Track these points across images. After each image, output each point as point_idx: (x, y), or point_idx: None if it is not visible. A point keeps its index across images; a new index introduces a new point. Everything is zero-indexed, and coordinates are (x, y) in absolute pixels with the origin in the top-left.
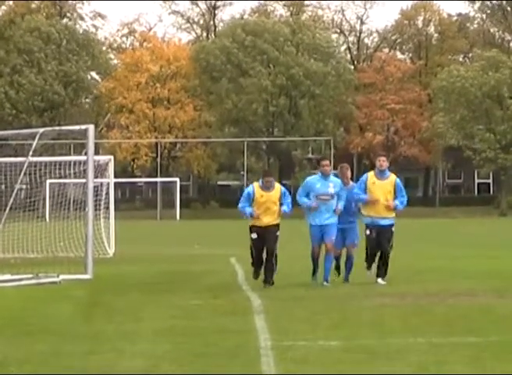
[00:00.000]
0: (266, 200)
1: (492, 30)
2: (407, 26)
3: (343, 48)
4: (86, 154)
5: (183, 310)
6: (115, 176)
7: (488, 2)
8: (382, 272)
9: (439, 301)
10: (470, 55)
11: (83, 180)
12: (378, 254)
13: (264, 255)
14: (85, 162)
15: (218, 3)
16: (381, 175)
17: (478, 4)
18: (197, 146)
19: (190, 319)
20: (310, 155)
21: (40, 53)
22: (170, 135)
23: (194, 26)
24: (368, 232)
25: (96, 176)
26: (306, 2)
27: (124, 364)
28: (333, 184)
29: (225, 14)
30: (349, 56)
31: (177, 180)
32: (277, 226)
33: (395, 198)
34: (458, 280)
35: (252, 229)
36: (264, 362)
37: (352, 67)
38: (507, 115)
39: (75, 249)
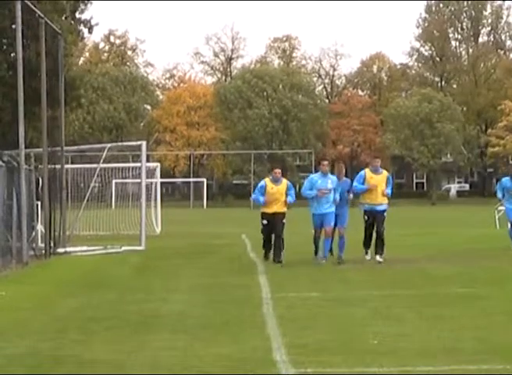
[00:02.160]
0: (275, 192)
1: (425, 74)
2: (366, 71)
3: (320, 87)
4: (140, 162)
5: (208, 271)
6: (161, 178)
7: (422, 54)
8: (379, 250)
9: (388, 266)
10: (409, 92)
11: (139, 180)
12: (374, 236)
13: (273, 238)
14: (140, 168)
15: (233, 56)
16: (376, 171)
17: (415, 56)
18: (218, 156)
19: (213, 277)
20: (298, 162)
21: (111, 90)
22: (199, 149)
23: (216, 72)
24: (366, 217)
25: (147, 178)
26: (294, 54)
27: (167, 308)
28: (331, 181)
29: (238, 63)
30: (324, 93)
31: (204, 180)
32: (283, 213)
33: (386, 187)
34: (403, 251)
35: (263, 216)
36: (264, 307)
37: (327, 100)
38: (435, 133)
39: (133, 228)
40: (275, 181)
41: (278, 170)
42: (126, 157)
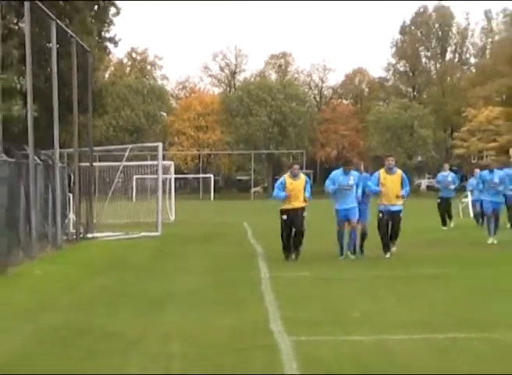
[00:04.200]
0: (294, 187)
1: (400, 86)
2: (349, 84)
3: (311, 97)
4: (157, 160)
5: (215, 255)
6: (174, 174)
7: (397, 69)
8: (387, 247)
9: (372, 251)
10: (387, 101)
11: (156, 176)
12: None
13: (294, 233)
14: (157, 165)
15: (237, 70)
16: (390, 171)
17: (391, 71)
18: (223, 156)
19: (219, 260)
20: (292, 161)
21: (132, 99)
22: (207, 149)
23: (222, 84)
24: (380, 215)
25: (163, 174)
26: (288, 69)
27: (179, 287)
28: (353, 177)
29: (240, 77)
30: (314, 102)
31: (211, 176)
32: (303, 208)
33: (401, 188)
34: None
35: (282, 211)
36: (263, 285)
37: (317, 108)
38: (413, 138)
39: (150, 217)
40: (294, 176)
41: (297, 166)
42: (144, 156)
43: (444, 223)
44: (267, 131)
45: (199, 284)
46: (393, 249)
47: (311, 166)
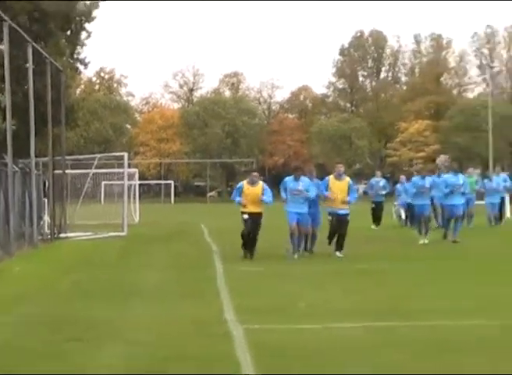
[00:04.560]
0: (251, 193)
1: (340, 102)
2: (295, 99)
3: (261, 111)
4: (123, 168)
5: (176, 252)
6: (138, 180)
7: (337, 87)
8: (339, 247)
9: (320, 250)
10: (328, 115)
11: (122, 182)
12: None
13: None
14: (123, 173)
15: (194, 87)
16: (339, 177)
17: (332, 88)
18: (182, 164)
19: (179, 257)
20: (243, 169)
21: (101, 113)
22: (168, 158)
23: (181, 99)
24: (329, 218)
25: (128, 180)
26: (240, 86)
27: (145, 281)
28: (303, 183)
29: (198, 93)
30: (264, 116)
31: (172, 182)
32: (260, 214)
33: (349, 193)
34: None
35: (243, 212)
36: (218, 279)
37: (266, 122)
38: (351, 147)
39: (117, 218)
40: (252, 183)
41: (255, 173)
42: (112, 164)
43: (375, 224)
44: (221, 142)
45: (162, 279)
46: (340, 255)
47: (260, 173)
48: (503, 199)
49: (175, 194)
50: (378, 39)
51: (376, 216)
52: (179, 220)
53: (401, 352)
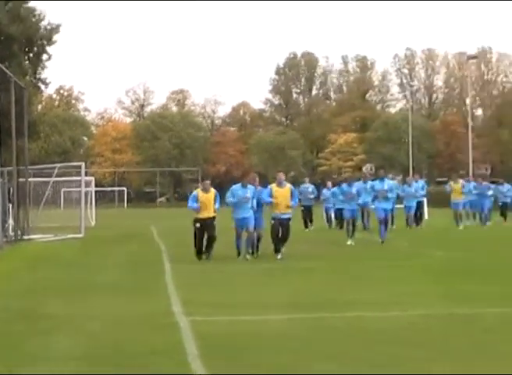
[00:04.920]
0: (205, 199)
1: (276, 116)
2: (235, 114)
3: (205, 125)
4: (80, 176)
5: (128, 252)
6: (95, 187)
7: (273, 103)
8: (278, 249)
9: (264, 251)
10: (265, 128)
11: (79, 189)
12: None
13: (205, 241)
14: (80, 181)
15: (145, 103)
16: (280, 185)
17: (269, 104)
18: (134, 173)
19: (131, 256)
20: (189, 177)
21: (60, 127)
22: (121, 167)
23: (133, 114)
24: (272, 222)
25: (85, 187)
26: (186, 102)
27: (101, 279)
28: (250, 191)
29: (148, 108)
30: (208, 129)
31: (125, 188)
32: (214, 218)
33: (291, 199)
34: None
35: (196, 220)
36: (167, 275)
37: (209, 134)
38: (286, 157)
39: (75, 222)
40: (205, 190)
41: (207, 181)
42: (70, 173)
43: (306, 226)
44: (169, 152)
45: (116, 276)
46: (283, 249)
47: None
48: (420, 203)
49: (128, 200)
50: (310, 59)
51: (307, 219)
52: (132, 223)
53: (330, 339)
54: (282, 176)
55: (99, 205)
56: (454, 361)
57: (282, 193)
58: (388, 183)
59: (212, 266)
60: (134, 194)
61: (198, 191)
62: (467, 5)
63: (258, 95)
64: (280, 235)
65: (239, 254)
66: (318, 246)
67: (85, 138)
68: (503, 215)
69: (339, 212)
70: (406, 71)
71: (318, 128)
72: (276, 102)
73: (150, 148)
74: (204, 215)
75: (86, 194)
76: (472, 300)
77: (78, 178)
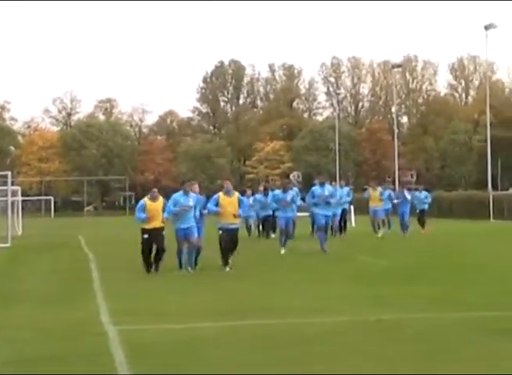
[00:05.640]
0: (153, 208)
1: (203, 124)
2: (163, 123)
3: (133, 134)
4: (7, 186)
5: (56, 261)
6: (21, 196)
7: (201, 111)
8: (226, 261)
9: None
10: (193, 136)
11: (6, 198)
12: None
13: (154, 251)
14: (6, 190)
15: (72, 112)
16: (228, 193)
17: (196, 112)
18: (61, 181)
19: (60, 265)
20: (117, 185)
21: None
22: (48, 176)
23: (60, 123)
24: (220, 232)
25: (12, 197)
26: (113, 111)
27: (29, 286)
28: (192, 199)
29: (75, 117)
30: (135, 138)
31: (52, 198)
32: (162, 228)
33: (239, 208)
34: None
35: (143, 231)
36: (95, 283)
37: (137, 143)
38: (214, 165)
39: (2, 231)
40: (153, 199)
41: (155, 190)
42: None
43: None
44: (97, 161)
45: (44, 284)
46: (230, 261)
47: (132, 189)
48: (344, 210)
49: (55, 209)
50: (237, 68)
51: None
52: (59, 232)
53: (256, 345)
54: (229, 184)
55: (26, 215)
56: (379, 366)
57: (229, 202)
58: (328, 188)
59: (141, 275)
60: (61, 203)
61: (146, 200)
62: (393, 13)
63: (186, 104)
64: (228, 246)
65: (181, 266)
66: (249, 254)
67: (12, 148)
68: (421, 223)
69: (265, 221)
70: (332, 79)
71: (245, 136)
72: (204, 111)
73: (77, 157)
74: (151, 225)
75: (12, 203)
76: (398, 305)
77: (4, 188)
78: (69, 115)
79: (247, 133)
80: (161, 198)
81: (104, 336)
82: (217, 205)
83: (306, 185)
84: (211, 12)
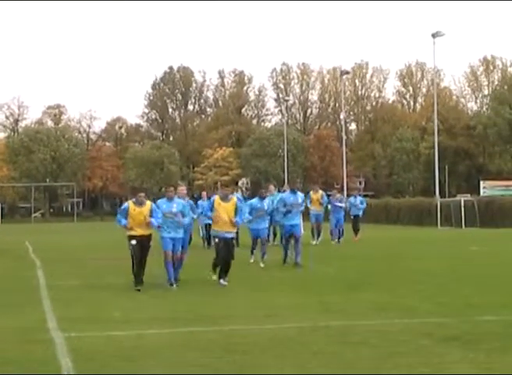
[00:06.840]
0: (138, 214)
1: (152, 131)
2: (111, 129)
3: (81, 140)
4: None
5: (4, 267)
6: None
7: (150, 117)
8: (224, 274)
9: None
10: (141, 142)
11: None
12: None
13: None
14: None
15: (19, 118)
16: (225, 198)
17: (145, 118)
18: (8, 188)
19: (5, 271)
20: (65, 191)
21: None
22: None
23: (7, 129)
24: (216, 240)
25: None
26: (62, 117)
27: None
28: (176, 205)
29: (23, 123)
30: (84, 144)
31: None
32: (150, 235)
33: (236, 215)
34: None
35: (131, 238)
36: (42, 291)
37: (86, 149)
38: (163, 172)
39: None
40: (139, 204)
41: (142, 194)
42: None
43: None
44: (45, 168)
45: None
46: (224, 283)
47: (80, 195)
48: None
49: (2, 216)
50: (186, 74)
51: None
52: (6, 239)
53: (200, 351)
54: (226, 190)
55: None
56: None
57: (225, 208)
58: (301, 195)
59: (90, 282)
60: (8, 209)
61: (130, 204)
62: (344, 20)
63: (134, 110)
64: (226, 257)
65: (170, 278)
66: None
67: None
68: (354, 229)
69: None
70: (282, 86)
71: (193, 142)
72: (152, 117)
73: (25, 163)
74: (138, 232)
75: None
76: (345, 312)
77: None
78: (17, 121)
79: (196, 139)
80: (148, 203)
81: (50, 342)
82: (211, 209)
83: (254, 191)
84: (160, 18)
